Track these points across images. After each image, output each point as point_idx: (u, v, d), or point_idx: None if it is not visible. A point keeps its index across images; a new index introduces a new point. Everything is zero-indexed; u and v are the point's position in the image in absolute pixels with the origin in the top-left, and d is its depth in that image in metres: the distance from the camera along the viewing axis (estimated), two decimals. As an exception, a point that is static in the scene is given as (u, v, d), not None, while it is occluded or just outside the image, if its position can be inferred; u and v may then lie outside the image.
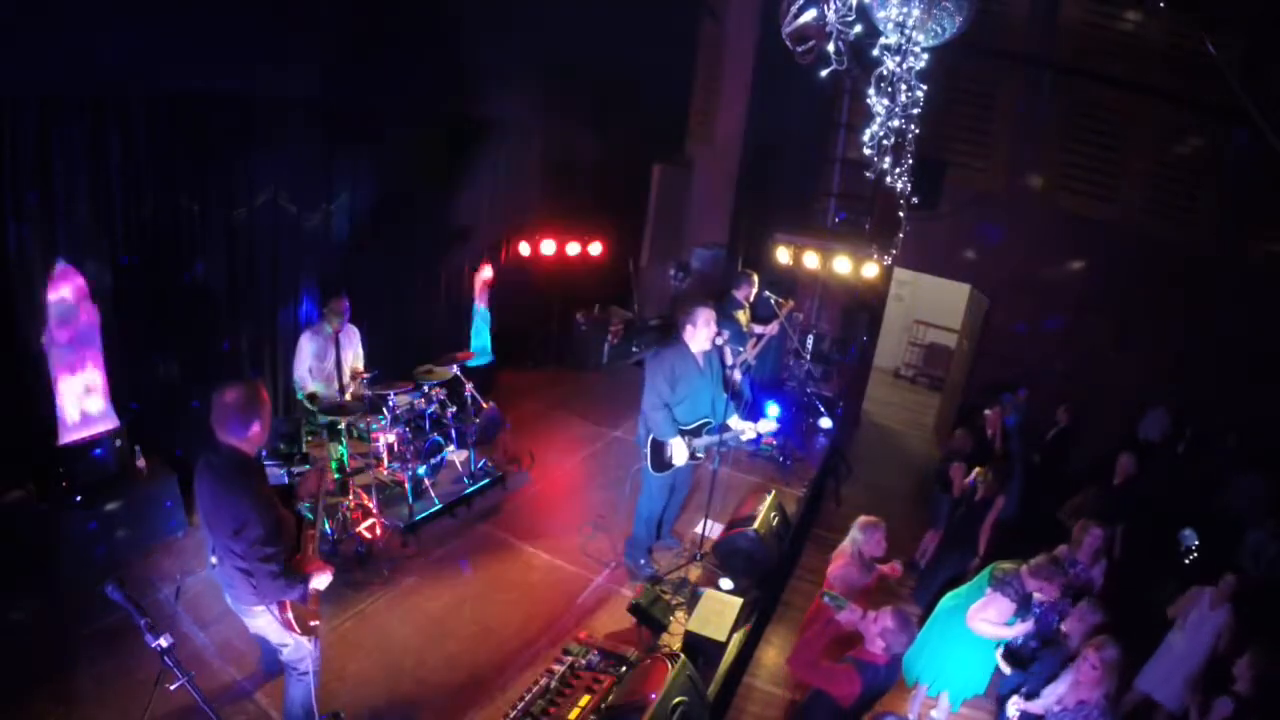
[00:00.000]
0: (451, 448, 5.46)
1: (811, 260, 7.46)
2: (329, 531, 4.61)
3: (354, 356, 5.43)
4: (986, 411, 6.37)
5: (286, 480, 4.49)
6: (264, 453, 5.52)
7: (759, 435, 4.81)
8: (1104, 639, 3.42)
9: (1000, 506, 5.34)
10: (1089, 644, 3.41)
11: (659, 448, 4.47)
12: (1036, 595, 3.85)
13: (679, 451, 4.45)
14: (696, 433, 4.55)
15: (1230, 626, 4.06)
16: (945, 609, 4.12)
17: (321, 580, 2.92)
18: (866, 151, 5.05)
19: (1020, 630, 3.90)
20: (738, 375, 5.16)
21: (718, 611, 4.17)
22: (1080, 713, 3.33)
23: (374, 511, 4.83)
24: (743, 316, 6.55)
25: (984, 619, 3.79)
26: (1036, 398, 7.31)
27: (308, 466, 5.22)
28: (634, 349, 9.36)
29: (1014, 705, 3.83)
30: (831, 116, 8.36)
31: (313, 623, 3.00)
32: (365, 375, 5.19)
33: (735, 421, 4.66)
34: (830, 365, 9.00)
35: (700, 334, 4.40)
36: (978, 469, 5.79)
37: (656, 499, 4.75)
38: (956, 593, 4.16)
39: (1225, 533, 5.34)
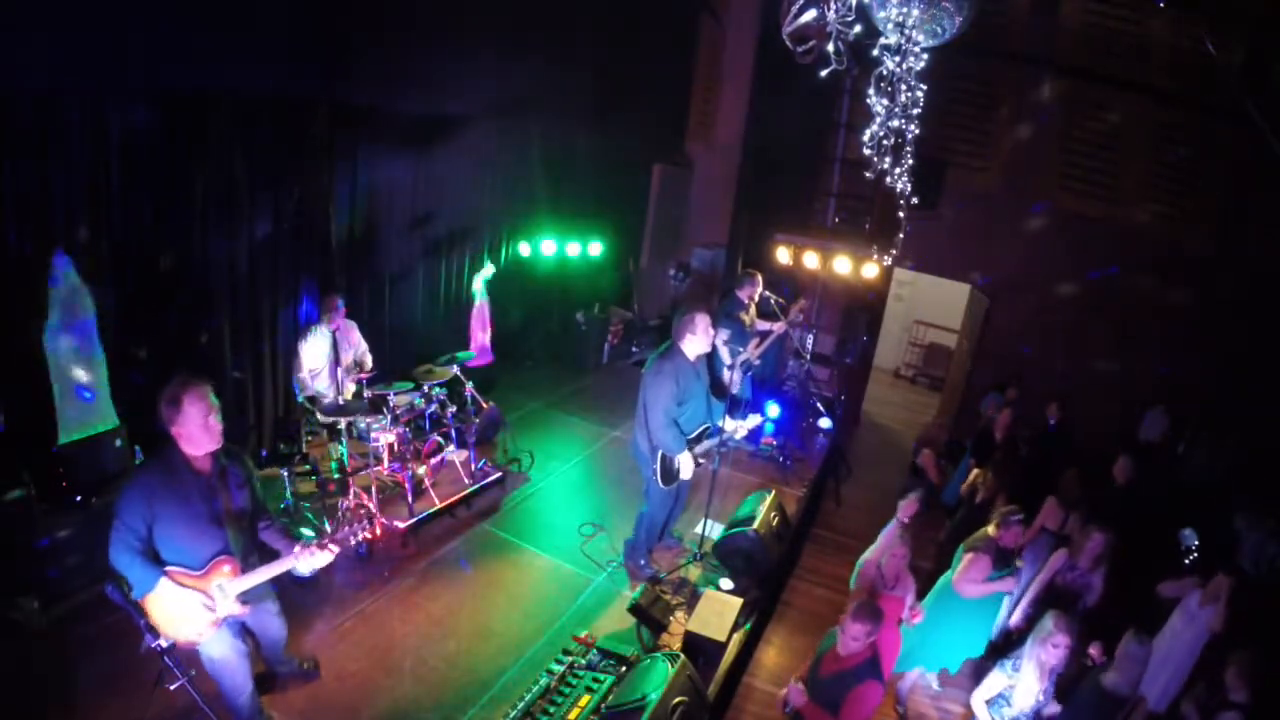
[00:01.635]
0: (451, 448, 5.46)
1: (811, 260, 7.46)
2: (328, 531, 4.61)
3: (356, 351, 5.41)
4: (992, 414, 6.36)
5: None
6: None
7: (751, 431, 4.82)
8: (1057, 621, 3.43)
9: None
10: (1045, 641, 3.42)
11: (669, 463, 4.45)
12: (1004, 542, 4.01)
13: (686, 465, 4.43)
14: (699, 439, 4.55)
15: (1220, 627, 4.05)
16: (935, 596, 4.21)
17: (159, 610, 2.65)
18: (866, 151, 5.05)
19: (1008, 585, 4.04)
20: (738, 375, 5.16)
21: (718, 611, 4.18)
22: (1053, 679, 3.42)
23: (374, 511, 4.83)
24: (746, 317, 6.53)
25: (969, 580, 3.93)
26: (1033, 396, 7.31)
27: (307, 467, 5.24)
28: (634, 349, 9.37)
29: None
30: (831, 116, 8.35)
31: (154, 625, 2.67)
32: (365, 375, 5.18)
33: (727, 422, 4.65)
34: (831, 365, 9.00)
35: (699, 340, 4.36)
36: (976, 471, 5.78)
37: (660, 510, 4.74)
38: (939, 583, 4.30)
39: (1225, 533, 5.33)
